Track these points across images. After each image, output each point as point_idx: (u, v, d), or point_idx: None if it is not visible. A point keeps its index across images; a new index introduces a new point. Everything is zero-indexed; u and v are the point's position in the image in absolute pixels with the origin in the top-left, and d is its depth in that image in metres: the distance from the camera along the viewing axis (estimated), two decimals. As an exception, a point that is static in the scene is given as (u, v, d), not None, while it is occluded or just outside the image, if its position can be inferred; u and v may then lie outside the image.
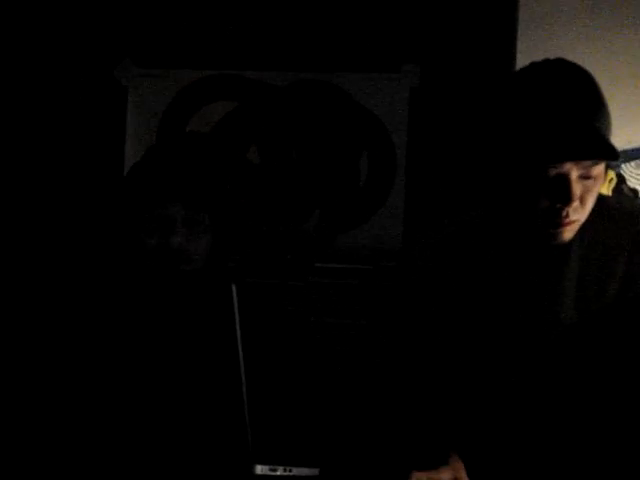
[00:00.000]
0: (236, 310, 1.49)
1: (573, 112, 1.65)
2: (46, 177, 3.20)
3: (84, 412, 1.63)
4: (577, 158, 1.66)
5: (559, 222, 1.70)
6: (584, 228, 1.76)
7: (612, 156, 1.67)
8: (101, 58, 3.21)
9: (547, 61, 1.74)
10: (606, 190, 2.74)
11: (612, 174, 2.77)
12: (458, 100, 3.04)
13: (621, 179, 2.86)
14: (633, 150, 2.86)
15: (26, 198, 3.20)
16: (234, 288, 1.49)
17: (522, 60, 2.84)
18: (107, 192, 3.17)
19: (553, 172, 1.67)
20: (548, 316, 1.78)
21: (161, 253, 1.91)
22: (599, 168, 1.70)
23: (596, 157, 1.68)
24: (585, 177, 1.68)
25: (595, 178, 1.70)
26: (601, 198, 1.80)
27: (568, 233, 1.73)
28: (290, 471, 1.57)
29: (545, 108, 1.66)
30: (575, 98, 1.66)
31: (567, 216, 1.70)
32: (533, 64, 1.74)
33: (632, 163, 2.88)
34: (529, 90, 1.70)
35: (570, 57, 1.74)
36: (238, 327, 1.49)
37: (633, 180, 2.89)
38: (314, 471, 1.62)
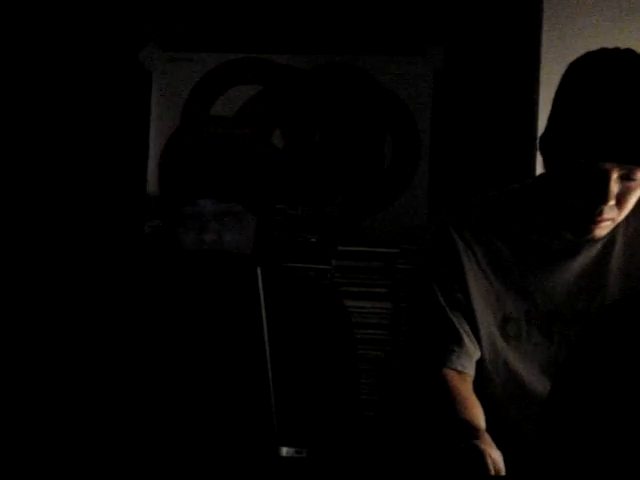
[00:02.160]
0: (261, 293, 1.50)
1: (625, 111, 1.58)
2: (70, 162, 3.22)
3: (108, 394, 1.64)
4: (617, 160, 1.60)
5: (592, 219, 1.66)
6: (628, 217, 1.71)
7: None
8: (126, 42, 3.21)
9: (605, 50, 1.65)
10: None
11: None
12: (482, 83, 3.02)
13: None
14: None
15: (51, 183, 3.21)
16: (259, 271, 1.49)
17: (547, 43, 2.82)
18: (132, 177, 3.18)
19: (593, 168, 1.61)
20: (592, 309, 1.75)
21: (200, 251, 1.87)
22: None
23: (637, 163, 1.60)
24: (627, 178, 1.62)
25: (638, 180, 1.63)
26: None
27: (601, 230, 1.68)
28: (315, 453, 1.57)
29: (597, 101, 1.59)
30: (629, 96, 1.59)
31: (601, 214, 1.65)
32: (590, 53, 1.65)
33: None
34: (582, 81, 1.62)
35: (597, 41, 1.70)
36: (263, 310, 1.49)
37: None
38: (336, 452, 1.62)
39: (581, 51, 1.72)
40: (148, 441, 1.60)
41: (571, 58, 1.70)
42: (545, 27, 2.85)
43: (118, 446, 1.62)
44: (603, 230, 1.69)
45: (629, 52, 1.65)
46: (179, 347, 1.58)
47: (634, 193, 1.66)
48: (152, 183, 3.16)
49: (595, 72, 1.63)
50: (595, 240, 1.72)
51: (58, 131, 3.22)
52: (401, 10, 3.08)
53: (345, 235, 3.03)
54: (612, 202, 1.64)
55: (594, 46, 1.73)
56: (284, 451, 1.52)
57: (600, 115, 1.59)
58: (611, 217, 1.67)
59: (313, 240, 2.79)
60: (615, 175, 1.62)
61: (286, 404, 1.54)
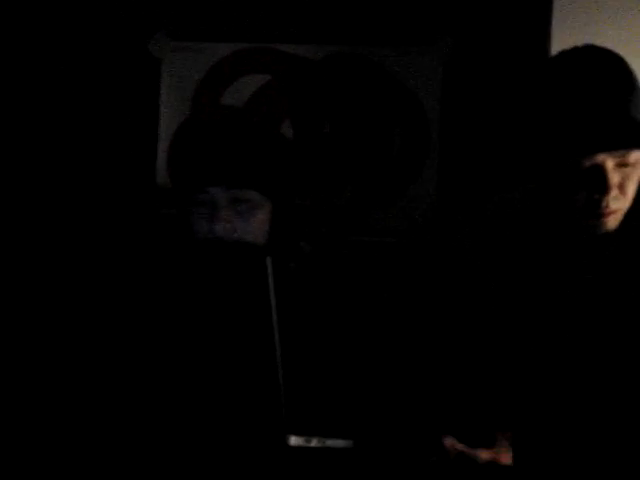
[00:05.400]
0: (271, 283, 1.50)
1: (603, 100, 1.62)
2: (79, 152, 3.22)
3: (117, 383, 1.65)
4: (608, 149, 1.63)
5: (600, 213, 1.67)
6: (627, 217, 1.73)
7: None
8: (135, 31, 3.22)
9: (576, 48, 1.70)
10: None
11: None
12: (492, 74, 3.02)
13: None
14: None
15: (59, 174, 3.22)
16: (269, 261, 1.50)
17: (557, 35, 2.82)
18: (142, 167, 3.19)
19: (587, 163, 1.63)
20: (585, 312, 1.76)
21: (209, 241, 1.87)
22: (637, 154, 1.66)
23: (628, 146, 1.64)
24: (622, 165, 1.65)
25: (633, 165, 1.66)
26: None
27: (611, 223, 1.70)
28: (324, 442, 1.58)
29: (573, 98, 1.63)
30: (605, 86, 1.63)
31: (607, 206, 1.67)
32: (562, 52, 1.71)
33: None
34: (557, 80, 1.66)
35: (607, 34, 1.72)
36: (273, 300, 1.50)
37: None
38: (348, 443, 1.63)
39: (590, 42, 1.74)
40: (157, 431, 1.61)
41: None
42: (555, 18, 2.84)
43: (126, 438, 1.63)
44: (613, 222, 1.70)
45: (591, 47, 1.70)
46: (188, 337, 1.58)
47: (632, 179, 1.68)
48: (162, 173, 3.18)
49: (562, 71, 1.67)
50: (607, 234, 1.73)
51: (67, 121, 3.23)
52: (410, 0, 3.08)
53: (354, 227, 3.03)
54: (615, 192, 1.66)
55: (604, 37, 1.75)
56: (292, 440, 1.53)
57: (580, 109, 1.62)
58: (618, 207, 1.68)
59: (323, 231, 2.80)
60: (610, 165, 1.64)
61: (296, 392, 1.54)
